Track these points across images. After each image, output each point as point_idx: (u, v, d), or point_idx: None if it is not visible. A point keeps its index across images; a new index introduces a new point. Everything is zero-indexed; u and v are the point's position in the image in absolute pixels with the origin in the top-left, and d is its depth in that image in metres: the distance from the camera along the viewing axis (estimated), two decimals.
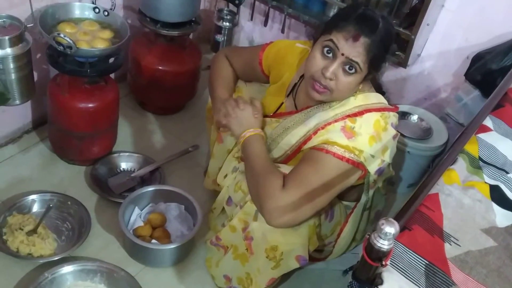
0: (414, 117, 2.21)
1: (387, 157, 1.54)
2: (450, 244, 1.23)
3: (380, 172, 1.56)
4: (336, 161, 1.44)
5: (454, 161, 1.43)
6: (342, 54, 1.42)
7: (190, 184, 2.07)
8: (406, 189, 2.24)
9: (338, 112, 1.51)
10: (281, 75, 1.70)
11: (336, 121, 1.49)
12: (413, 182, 2.23)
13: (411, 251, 1.18)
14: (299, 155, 1.56)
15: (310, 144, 1.51)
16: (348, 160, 1.45)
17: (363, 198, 1.63)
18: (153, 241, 1.80)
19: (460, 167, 1.42)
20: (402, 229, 1.20)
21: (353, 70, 1.43)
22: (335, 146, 1.45)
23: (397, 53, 2.19)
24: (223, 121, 1.63)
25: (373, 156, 1.49)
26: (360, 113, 1.50)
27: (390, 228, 1.03)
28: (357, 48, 1.40)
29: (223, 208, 1.76)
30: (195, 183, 2.09)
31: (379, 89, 1.62)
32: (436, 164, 1.55)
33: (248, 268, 1.61)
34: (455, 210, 1.30)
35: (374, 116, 1.50)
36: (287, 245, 1.50)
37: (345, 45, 1.41)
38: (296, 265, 1.55)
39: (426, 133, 2.16)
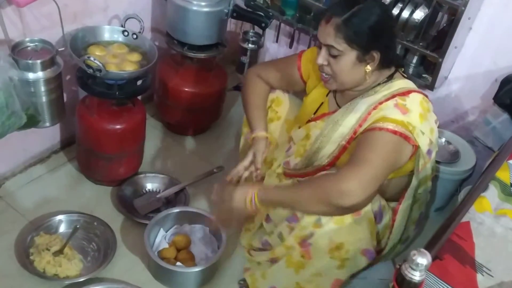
0: (442, 140, 2.18)
1: (434, 140, 1.58)
2: (483, 275, 1.20)
3: (430, 155, 1.58)
4: (390, 136, 1.47)
5: (485, 188, 1.41)
6: (321, 42, 1.52)
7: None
8: (433, 213, 2.20)
9: (386, 93, 1.56)
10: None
11: (387, 100, 1.54)
12: (440, 206, 2.20)
13: (442, 282, 1.16)
14: (353, 143, 1.57)
15: (365, 125, 1.54)
16: (401, 134, 1.48)
17: (414, 183, 1.62)
18: (178, 263, 1.80)
19: (491, 195, 1.40)
20: (433, 258, 1.18)
21: (335, 53, 1.51)
22: (387, 122, 1.48)
23: (424, 75, 2.18)
24: (228, 215, 1.61)
25: (423, 134, 1.52)
26: (407, 93, 1.56)
27: (422, 259, 1.01)
28: (327, 30, 1.49)
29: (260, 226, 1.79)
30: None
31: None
32: (467, 190, 1.52)
33: (301, 277, 1.59)
34: (487, 239, 1.28)
35: (418, 96, 1.57)
36: (353, 243, 1.51)
37: (320, 32, 1.51)
38: (364, 261, 1.55)
39: (453, 157, 2.12)
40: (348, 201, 1.41)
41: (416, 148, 1.53)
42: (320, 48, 1.56)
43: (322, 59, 1.55)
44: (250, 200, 1.53)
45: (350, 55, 1.51)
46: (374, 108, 1.54)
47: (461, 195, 2.00)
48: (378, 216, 1.61)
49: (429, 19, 2.05)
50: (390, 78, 1.60)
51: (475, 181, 1.50)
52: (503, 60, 2.07)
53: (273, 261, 1.69)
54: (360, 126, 1.55)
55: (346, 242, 1.50)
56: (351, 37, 1.48)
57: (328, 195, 1.42)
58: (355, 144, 1.55)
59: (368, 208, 1.52)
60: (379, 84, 1.59)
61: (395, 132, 1.47)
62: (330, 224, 1.49)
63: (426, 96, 1.62)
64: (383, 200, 1.62)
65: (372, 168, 1.43)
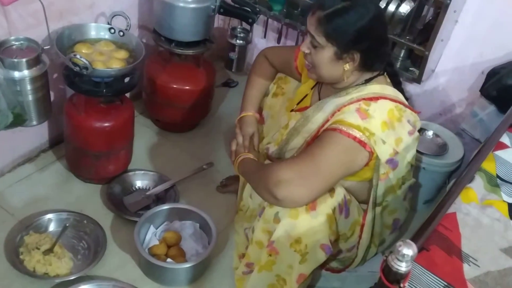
0: (429, 133, 2.19)
1: (402, 150, 1.55)
2: (469, 265, 1.21)
3: (393, 164, 1.56)
4: (342, 137, 1.47)
5: (471, 179, 1.42)
6: (307, 30, 1.53)
7: (205, 202, 2.07)
8: (422, 206, 2.22)
9: (353, 96, 1.56)
10: None
11: (351, 103, 1.54)
12: (429, 198, 2.21)
13: (429, 272, 1.16)
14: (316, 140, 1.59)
15: (327, 125, 1.55)
16: (355, 138, 1.47)
17: (373, 191, 1.61)
18: (168, 259, 1.81)
19: (477, 185, 1.41)
20: (420, 249, 1.19)
21: (315, 44, 1.52)
22: (343, 124, 1.48)
23: (411, 69, 2.19)
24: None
25: (384, 142, 1.50)
26: (376, 99, 1.54)
27: (408, 250, 1.02)
28: (311, 21, 1.51)
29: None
30: (209, 201, 2.09)
31: (398, 83, 1.67)
32: (454, 182, 1.53)
33: (277, 270, 1.59)
34: (473, 230, 1.29)
35: (388, 104, 1.54)
36: (310, 236, 1.51)
37: (308, 21, 1.53)
38: (323, 256, 1.54)
39: (441, 149, 2.14)
40: (282, 191, 1.44)
41: (372, 155, 1.51)
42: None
43: (305, 46, 1.57)
44: (237, 158, 1.73)
45: (328, 50, 1.51)
46: (338, 110, 1.55)
47: (449, 187, 2.01)
48: (344, 210, 1.60)
49: (415, 13, 2.06)
50: (368, 81, 1.58)
51: (461, 173, 1.51)
52: (490, 52, 2.08)
53: (249, 266, 1.69)
54: (323, 126, 1.57)
55: (303, 236, 1.50)
56: (330, 33, 1.48)
57: (267, 181, 1.46)
58: None
59: (326, 203, 1.51)
60: (353, 85, 1.59)
61: (348, 135, 1.47)
62: (287, 218, 1.50)
63: (405, 105, 1.58)
64: (349, 195, 1.61)
65: (313, 163, 1.45)
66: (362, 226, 1.66)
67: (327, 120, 1.57)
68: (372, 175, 1.58)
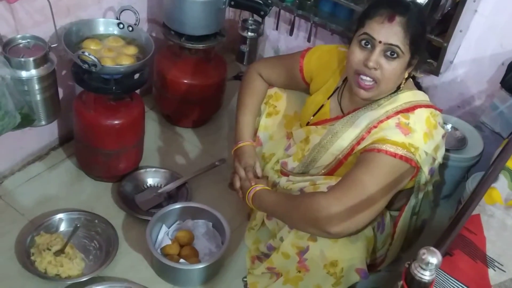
0: (448, 126, 2.13)
1: (439, 157, 1.50)
2: (494, 270, 1.16)
3: (432, 172, 1.51)
4: (389, 159, 1.40)
5: (495, 179, 1.36)
6: (380, 42, 1.38)
7: (218, 200, 2.03)
8: (440, 201, 2.17)
9: (388, 109, 1.47)
10: (326, 80, 1.68)
11: (388, 118, 1.46)
12: (447, 193, 2.16)
13: (453, 279, 1.12)
14: (351, 158, 1.52)
15: (364, 143, 1.47)
16: (401, 157, 1.40)
17: (412, 201, 1.56)
18: (181, 260, 1.77)
19: (501, 185, 1.35)
20: (443, 255, 1.14)
21: (395, 55, 1.39)
22: (387, 144, 1.40)
23: (429, 60, 2.12)
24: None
25: (427, 154, 1.44)
26: (412, 109, 1.46)
27: (432, 258, 0.98)
28: (394, 29, 1.37)
29: (262, 223, 1.76)
30: (222, 199, 2.05)
31: (419, 89, 1.59)
32: (478, 182, 1.47)
33: (302, 287, 1.56)
34: (498, 233, 1.24)
35: (424, 112, 1.47)
36: (347, 261, 1.46)
37: (381, 30, 1.38)
38: (357, 279, 1.51)
39: (460, 143, 2.08)
40: (336, 227, 1.37)
41: (418, 169, 1.46)
42: (363, 46, 1.41)
43: (375, 63, 1.40)
44: (247, 194, 1.58)
45: (405, 58, 1.40)
46: (374, 127, 1.46)
47: (469, 182, 1.96)
48: (381, 227, 1.57)
49: (433, 3, 1.99)
50: (398, 88, 1.50)
51: (485, 172, 1.45)
52: (510, 43, 2.02)
53: (270, 269, 1.65)
54: (359, 143, 1.49)
55: (340, 260, 1.46)
56: (413, 38, 1.38)
57: (317, 218, 1.38)
58: (353, 160, 1.49)
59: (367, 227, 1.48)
60: (385, 95, 1.49)
61: (395, 155, 1.40)
62: (325, 239, 1.45)
63: (436, 108, 1.52)
64: (384, 209, 1.57)
65: (364, 192, 1.37)
66: (393, 234, 1.61)
67: (362, 137, 1.48)
68: (411, 185, 1.53)
